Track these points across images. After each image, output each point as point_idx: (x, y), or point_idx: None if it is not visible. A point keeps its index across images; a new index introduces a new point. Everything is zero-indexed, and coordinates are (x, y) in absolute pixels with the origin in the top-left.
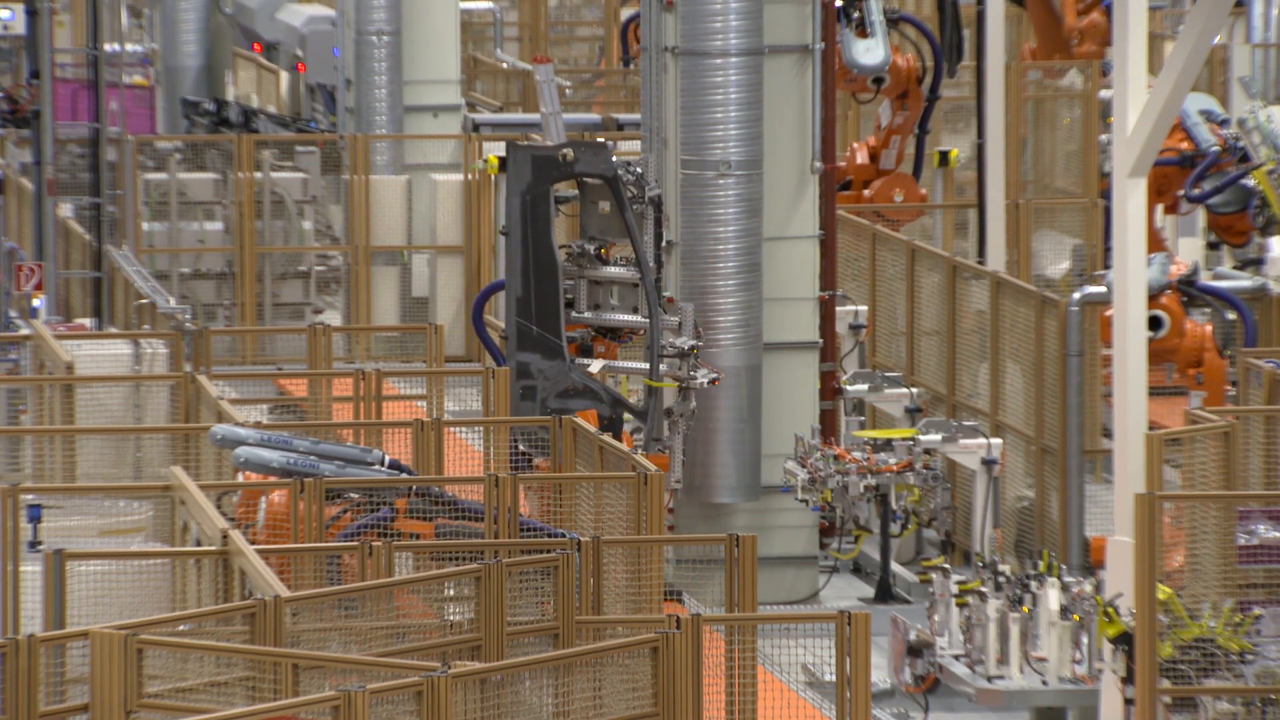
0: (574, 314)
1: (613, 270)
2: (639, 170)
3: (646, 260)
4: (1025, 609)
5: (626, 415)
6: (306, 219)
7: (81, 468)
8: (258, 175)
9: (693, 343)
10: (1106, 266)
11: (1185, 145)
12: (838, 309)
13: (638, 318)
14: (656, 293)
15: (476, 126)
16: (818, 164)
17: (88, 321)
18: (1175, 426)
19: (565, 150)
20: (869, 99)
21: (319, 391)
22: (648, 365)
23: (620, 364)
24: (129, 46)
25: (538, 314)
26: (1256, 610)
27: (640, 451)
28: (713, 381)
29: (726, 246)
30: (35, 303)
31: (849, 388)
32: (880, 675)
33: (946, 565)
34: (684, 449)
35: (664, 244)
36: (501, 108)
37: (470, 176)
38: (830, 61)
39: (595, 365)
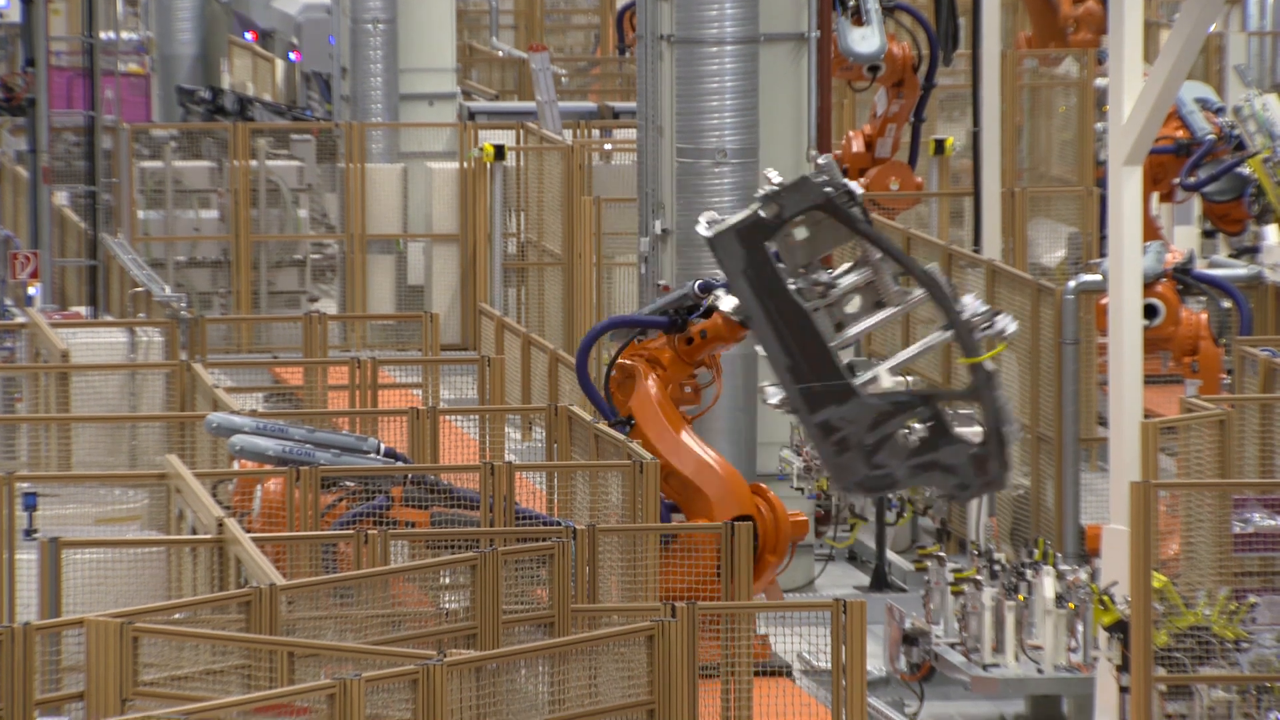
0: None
1: (845, 280)
2: (844, 181)
3: (913, 262)
4: (1020, 597)
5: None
6: (302, 207)
7: (77, 456)
8: (253, 163)
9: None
10: (1102, 255)
11: (1181, 133)
12: None
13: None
14: (940, 285)
15: (472, 115)
16: (813, 152)
17: (83, 310)
18: (1170, 415)
19: (760, 210)
20: (864, 87)
21: (314, 380)
22: (928, 343)
23: (905, 354)
24: (124, 34)
25: (811, 369)
26: (1252, 598)
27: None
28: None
29: None
30: (30, 291)
31: None
32: (876, 663)
33: (942, 553)
34: None
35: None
36: (497, 96)
37: (466, 165)
38: (826, 50)
39: (880, 375)
